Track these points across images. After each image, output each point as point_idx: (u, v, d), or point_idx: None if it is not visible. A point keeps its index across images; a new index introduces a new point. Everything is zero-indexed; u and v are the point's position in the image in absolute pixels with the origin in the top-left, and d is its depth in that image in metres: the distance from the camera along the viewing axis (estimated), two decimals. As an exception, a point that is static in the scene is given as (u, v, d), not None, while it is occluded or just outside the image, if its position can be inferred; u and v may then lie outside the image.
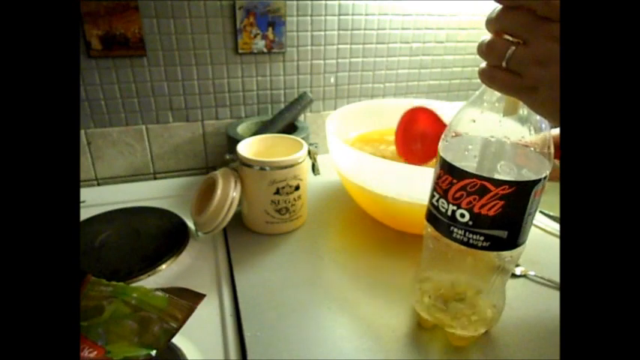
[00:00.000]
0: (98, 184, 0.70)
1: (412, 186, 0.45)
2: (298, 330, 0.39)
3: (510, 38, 0.26)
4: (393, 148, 0.59)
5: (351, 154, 0.50)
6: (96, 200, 0.62)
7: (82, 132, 0.65)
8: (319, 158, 0.55)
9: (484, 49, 0.27)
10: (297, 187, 0.52)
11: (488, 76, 0.27)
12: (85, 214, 0.57)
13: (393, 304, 0.43)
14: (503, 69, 0.26)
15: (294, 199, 0.52)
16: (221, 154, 0.73)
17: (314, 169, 0.56)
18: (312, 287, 0.45)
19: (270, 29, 0.67)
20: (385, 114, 0.66)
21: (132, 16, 0.60)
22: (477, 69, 0.29)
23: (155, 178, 0.72)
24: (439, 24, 0.76)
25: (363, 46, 0.74)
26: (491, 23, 0.26)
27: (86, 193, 0.64)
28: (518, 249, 0.32)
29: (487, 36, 0.27)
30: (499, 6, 0.26)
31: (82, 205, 0.61)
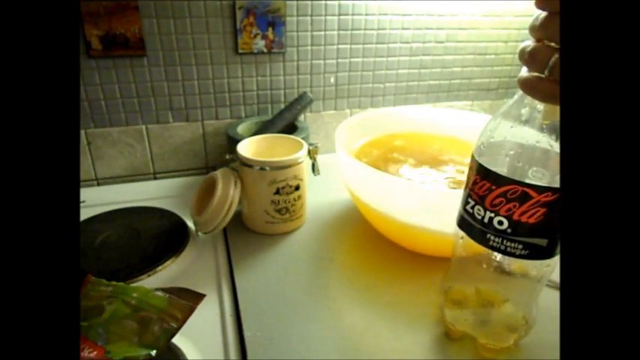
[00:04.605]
0: (98, 184, 0.70)
1: (427, 208, 0.43)
2: (298, 330, 0.39)
3: (554, 45, 0.25)
4: (408, 160, 0.58)
5: (363, 171, 0.46)
6: (96, 200, 0.62)
7: (82, 132, 0.65)
8: (319, 158, 0.55)
9: (526, 57, 0.26)
10: (297, 187, 0.52)
11: (530, 86, 0.26)
12: (85, 214, 0.57)
13: (391, 306, 0.43)
14: (546, 78, 0.25)
15: (294, 199, 0.52)
16: (221, 154, 0.73)
17: (314, 169, 0.56)
18: (312, 287, 0.45)
19: (270, 29, 0.67)
20: (393, 121, 0.65)
21: (132, 16, 0.60)
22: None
23: (155, 178, 0.72)
24: (439, 24, 0.76)
25: (363, 46, 0.74)
26: (535, 30, 0.25)
27: (86, 193, 0.64)
28: (556, 258, 0.31)
29: (528, 42, 0.26)
30: (543, 12, 0.25)
31: (82, 205, 0.61)
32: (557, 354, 0.37)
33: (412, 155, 0.58)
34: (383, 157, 0.57)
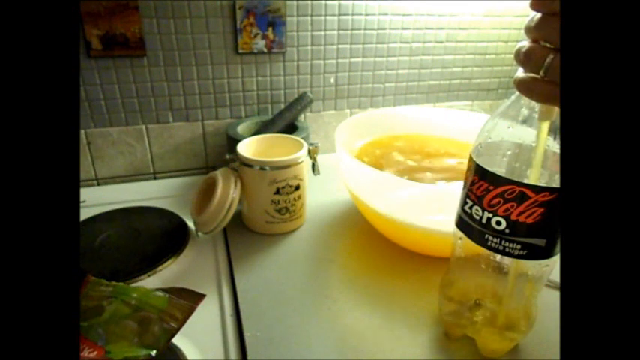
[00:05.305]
0: (98, 184, 0.70)
1: (430, 208, 0.43)
2: (298, 330, 0.39)
3: (549, 45, 0.25)
4: (405, 160, 0.58)
5: (363, 171, 0.46)
6: (96, 200, 0.62)
7: (82, 132, 0.65)
8: (319, 158, 0.55)
9: (521, 58, 0.26)
10: (297, 187, 0.52)
11: (526, 87, 0.26)
12: (85, 214, 0.57)
13: (392, 306, 0.43)
14: (542, 79, 0.25)
15: (294, 199, 0.52)
16: (221, 154, 0.73)
17: (314, 169, 0.56)
18: (312, 287, 0.45)
19: (270, 29, 0.67)
20: (394, 122, 0.64)
21: (132, 16, 0.60)
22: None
23: (155, 178, 0.72)
24: (439, 24, 0.76)
25: (363, 46, 0.74)
26: (530, 31, 0.25)
27: (86, 193, 0.64)
28: (554, 257, 0.31)
29: (524, 42, 0.26)
30: (538, 14, 0.25)
31: (82, 205, 0.61)
32: (557, 354, 0.37)
33: (413, 157, 0.58)
34: (385, 156, 0.58)
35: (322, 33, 0.70)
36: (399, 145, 0.62)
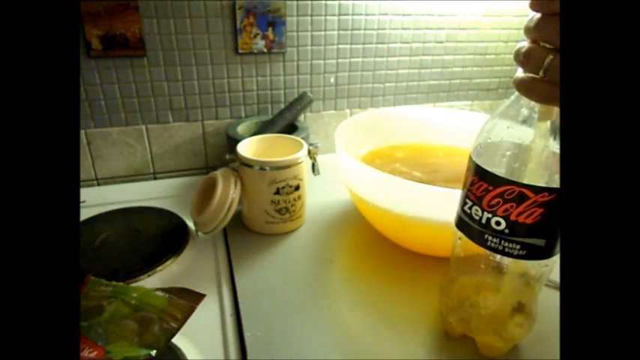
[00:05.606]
0: (98, 184, 0.70)
1: (430, 207, 0.43)
2: (298, 330, 0.39)
3: (549, 46, 0.25)
4: (406, 169, 0.58)
5: (363, 171, 0.46)
6: (96, 200, 0.62)
7: (82, 132, 0.65)
8: (319, 158, 0.55)
9: (521, 58, 0.26)
10: (297, 187, 0.52)
11: (526, 87, 0.26)
12: (85, 214, 0.57)
13: (391, 306, 0.43)
14: (541, 79, 0.25)
15: (294, 199, 0.52)
16: (221, 154, 0.73)
17: (314, 169, 0.56)
18: (312, 287, 0.45)
19: (270, 29, 0.67)
20: (394, 123, 0.64)
21: (132, 16, 0.60)
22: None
23: (155, 178, 0.72)
24: (439, 24, 0.76)
25: (363, 46, 0.74)
26: (530, 31, 0.25)
27: (86, 193, 0.64)
28: (554, 257, 0.31)
29: (524, 43, 0.26)
30: (537, 14, 0.25)
31: (82, 205, 0.61)
32: (557, 354, 0.37)
33: (416, 168, 0.58)
34: (387, 167, 0.57)
35: (322, 33, 0.70)
36: (400, 157, 0.61)
